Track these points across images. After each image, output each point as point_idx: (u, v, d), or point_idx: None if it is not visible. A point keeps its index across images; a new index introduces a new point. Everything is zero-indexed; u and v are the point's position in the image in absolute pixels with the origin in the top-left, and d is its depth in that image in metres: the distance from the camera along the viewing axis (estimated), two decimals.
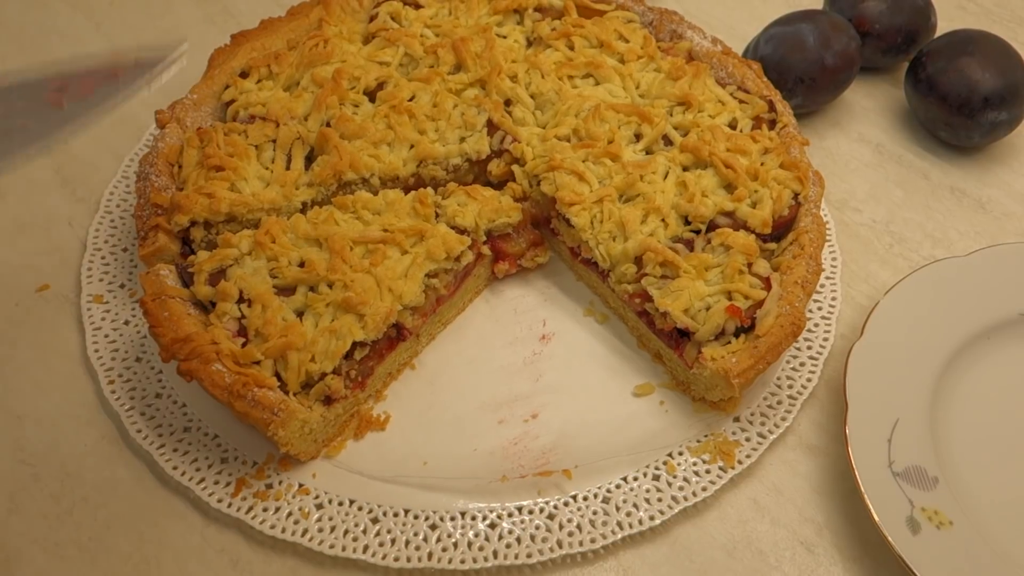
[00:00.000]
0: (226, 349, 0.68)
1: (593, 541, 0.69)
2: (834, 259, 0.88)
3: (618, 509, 0.71)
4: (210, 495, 0.71)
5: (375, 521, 0.70)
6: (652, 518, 0.70)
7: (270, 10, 1.12)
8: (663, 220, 0.79)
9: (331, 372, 0.70)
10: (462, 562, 0.68)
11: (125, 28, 1.11)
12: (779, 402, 0.77)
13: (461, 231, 0.78)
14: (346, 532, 0.69)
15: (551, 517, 0.71)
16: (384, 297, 0.72)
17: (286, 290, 0.73)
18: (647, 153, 0.85)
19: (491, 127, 0.86)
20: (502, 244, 0.83)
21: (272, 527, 0.70)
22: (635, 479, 0.73)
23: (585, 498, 0.72)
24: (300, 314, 0.72)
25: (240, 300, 0.72)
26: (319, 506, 0.71)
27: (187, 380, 0.68)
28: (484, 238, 0.81)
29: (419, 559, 0.68)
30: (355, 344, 0.71)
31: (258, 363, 0.68)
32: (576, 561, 0.70)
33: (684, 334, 0.75)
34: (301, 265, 0.74)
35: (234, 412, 0.68)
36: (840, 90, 0.99)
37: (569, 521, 0.70)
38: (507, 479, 0.72)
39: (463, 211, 0.79)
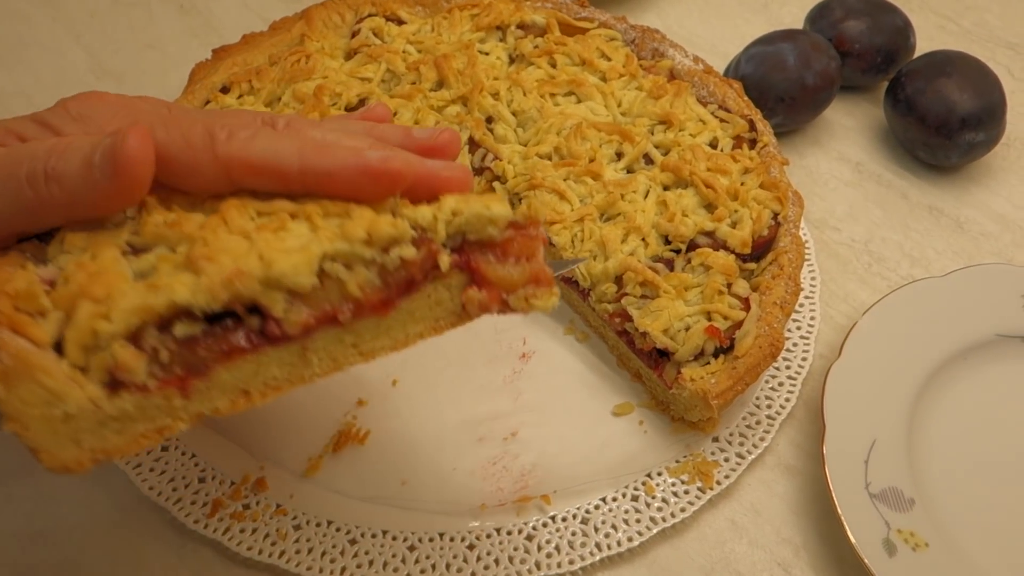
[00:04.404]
0: (11, 288, 0.47)
1: (571, 563, 0.69)
2: (813, 278, 0.88)
3: (596, 530, 0.71)
4: (186, 516, 0.70)
5: (353, 542, 0.70)
6: (631, 539, 0.70)
7: (253, 24, 1.11)
8: (643, 239, 0.79)
9: (127, 340, 0.46)
10: None
11: (106, 40, 1.11)
12: (758, 422, 0.77)
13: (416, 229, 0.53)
14: (323, 554, 0.69)
15: (530, 538, 0.71)
16: (249, 263, 0.48)
17: (142, 250, 0.50)
18: (628, 172, 0.85)
19: (472, 145, 0.86)
20: (481, 264, 0.54)
21: (249, 548, 0.69)
22: (614, 500, 0.73)
23: (564, 519, 0.72)
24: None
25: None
26: (297, 527, 0.70)
27: None
28: (445, 241, 0.53)
29: None
30: (182, 316, 0.47)
31: (44, 316, 0.47)
32: None
33: (663, 354, 0.75)
34: None
35: None
36: (820, 109, 1.00)
37: (548, 542, 0.70)
38: (486, 507, 0.72)
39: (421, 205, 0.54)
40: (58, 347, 0.46)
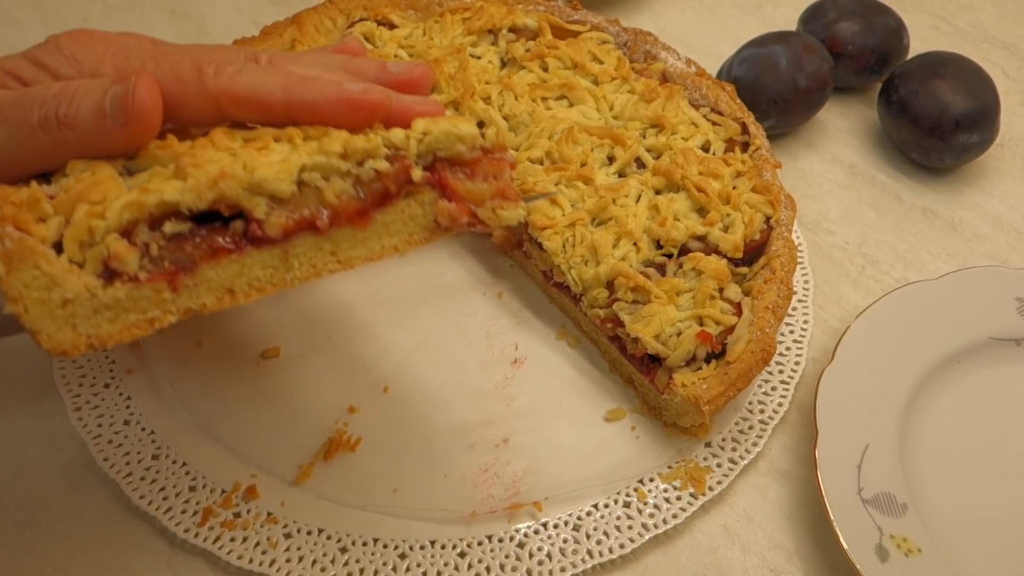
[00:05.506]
0: (16, 198, 0.50)
1: (563, 570, 0.69)
2: (806, 282, 0.88)
3: (588, 537, 0.71)
4: (177, 525, 0.70)
5: (344, 551, 0.70)
6: (622, 546, 0.70)
7: (245, 28, 1.11)
8: (635, 244, 0.79)
9: (119, 234, 0.50)
10: None
11: None
12: (750, 427, 0.77)
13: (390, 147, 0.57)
14: (314, 563, 0.69)
15: (521, 545, 0.70)
16: (234, 169, 0.52)
17: (137, 171, 0.55)
18: (620, 176, 0.85)
19: None
20: (451, 179, 0.59)
21: (239, 557, 0.69)
22: (606, 506, 0.72)
23: (556, 526, 0.71)
24: None
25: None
26: (287, 535, 0.70)
27: None
28: (416, 159, 0.58)
29: None
30: (171, 215, 0.51)
31: (46, 222, 0.50)
32: None
33: (655, 359, 0.75)
34: None
35: None
36: (813, 111, 1.00)
37: (539, 550, 0.70)
38: (477, 514, 0.72)
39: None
40: (58, 249, 0.50)
